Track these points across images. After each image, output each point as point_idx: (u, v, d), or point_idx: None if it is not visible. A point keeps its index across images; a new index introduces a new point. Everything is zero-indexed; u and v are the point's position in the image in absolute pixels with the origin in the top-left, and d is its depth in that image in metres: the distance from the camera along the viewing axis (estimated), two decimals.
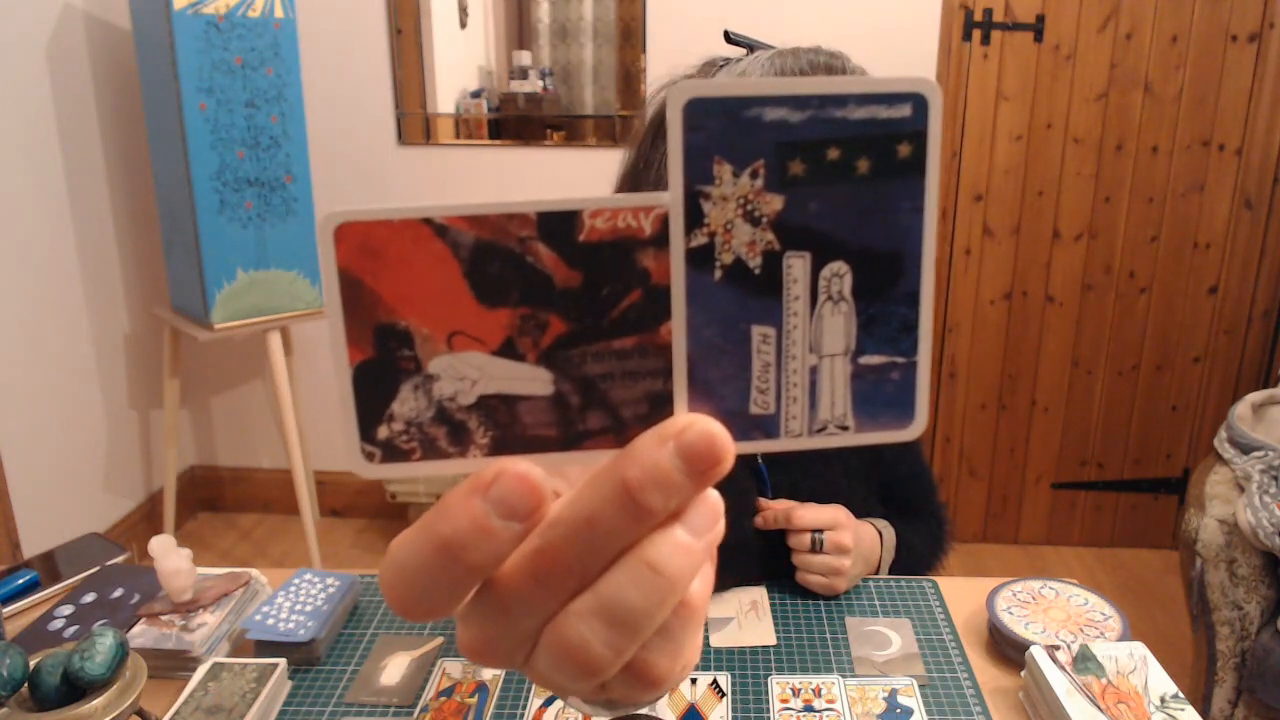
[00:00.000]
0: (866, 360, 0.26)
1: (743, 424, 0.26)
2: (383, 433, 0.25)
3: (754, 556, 0.98)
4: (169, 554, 0.88)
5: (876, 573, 1.03)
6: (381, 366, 0.25)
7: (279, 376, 2.24)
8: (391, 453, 0.26)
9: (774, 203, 0.25)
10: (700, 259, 0.25)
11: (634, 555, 0.23)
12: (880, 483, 1.09)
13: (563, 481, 0.28)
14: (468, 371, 0.25)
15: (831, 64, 0.84)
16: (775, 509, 0.96)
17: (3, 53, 2.08)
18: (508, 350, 0.25)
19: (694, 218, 0.25)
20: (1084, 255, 2.47)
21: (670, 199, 0.24)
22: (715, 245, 0.25)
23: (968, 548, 2.70)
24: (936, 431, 2.64)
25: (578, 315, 0.25)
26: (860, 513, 1.01)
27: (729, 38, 0.89)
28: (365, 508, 2.82)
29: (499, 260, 0.25)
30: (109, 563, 1.03)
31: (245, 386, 2.78)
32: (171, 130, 2.08)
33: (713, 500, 0.25)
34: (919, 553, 1.09)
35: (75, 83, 2.30)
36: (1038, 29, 2.31)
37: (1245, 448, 1.70)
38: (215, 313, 2.15)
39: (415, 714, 0.80)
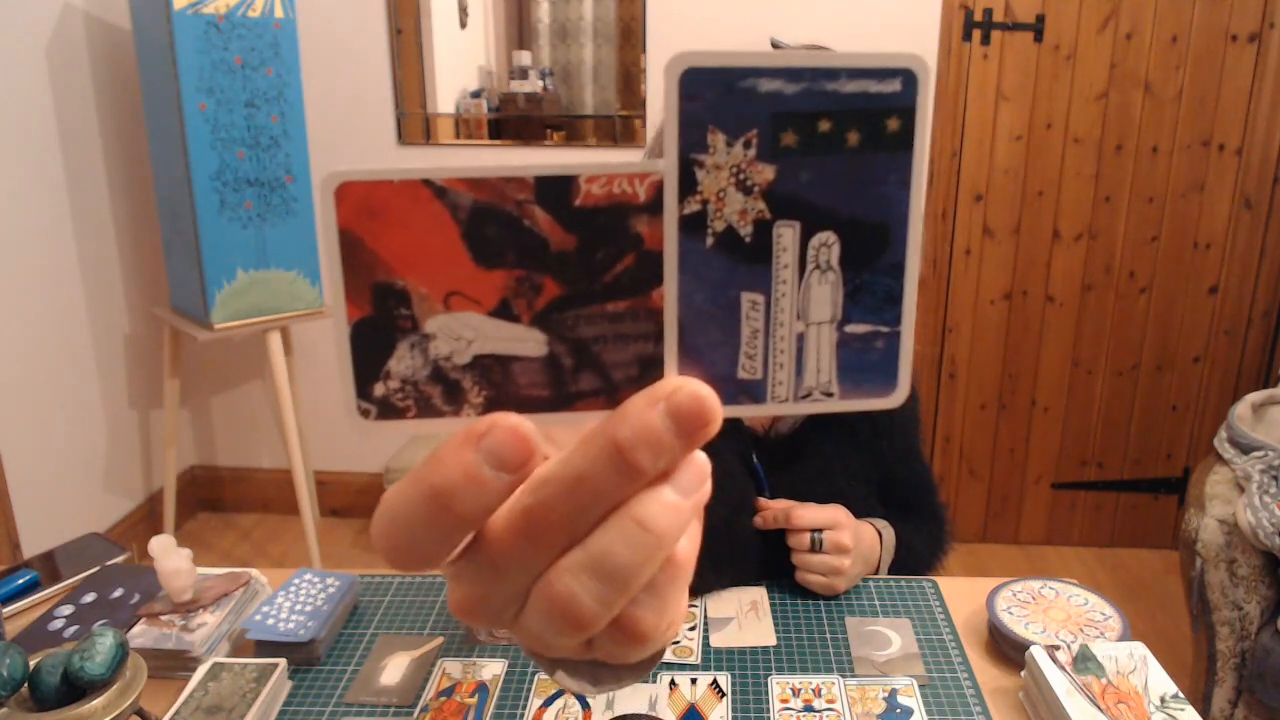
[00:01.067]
0: (852, 329, 0.27)
1: (730, 388, 0.26)
2: (379, 390, 0.26)
3: (752, 555, 0.98)
4: (169, 554, 0.88)
5: (876, 573, 1.03)
6: (379, 325, 0.26)
7: (279, 376, 2.24)
8: (387, 410, 0.26)
9: (766, 172, 0.25)
10: (693, 226, 0.25)
11: (623, 513, 0.24)
12: (880, 483, 1.09)
13: (552, 446, 0.28)
14: (464, 331, 0.26)
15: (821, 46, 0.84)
16: (774, 509, 0.96)
17: (3, 53, 2.08)
18: (503, 311, 0.26)
19: (688, 185, 0.25)
20: (1084, 255, 2.47)
21: (665, 166, 0.25)
22: (708, 213, 0.25)
23: (968, 548, 2.70)
24: (936, 431, 2.64)
25: (572, 278, 0.26)
26: (860, 513, 1.01)
27: (775, 46, 0.90)
28: (365, 508, 2.81)
29: (496, 223, 0.25)
30: (109, 563, 1.03)
31: (245, 386, 2.78)
32: (171, 130, 2.08)
33: (700, 462, 0.25)
34: (919, 552, 1.09)
35: (75, 83, 2.30)
36: (1038, 29, 2.31)
37: (1245, 448, 1.70)
38: (215, 313, 2.15)
39: (415, 714, 0.80)
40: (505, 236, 0.25)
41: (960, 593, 0.98)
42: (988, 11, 2.30)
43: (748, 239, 0.25)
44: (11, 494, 2.12)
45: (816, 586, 0.95)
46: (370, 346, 0.26)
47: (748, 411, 0.27)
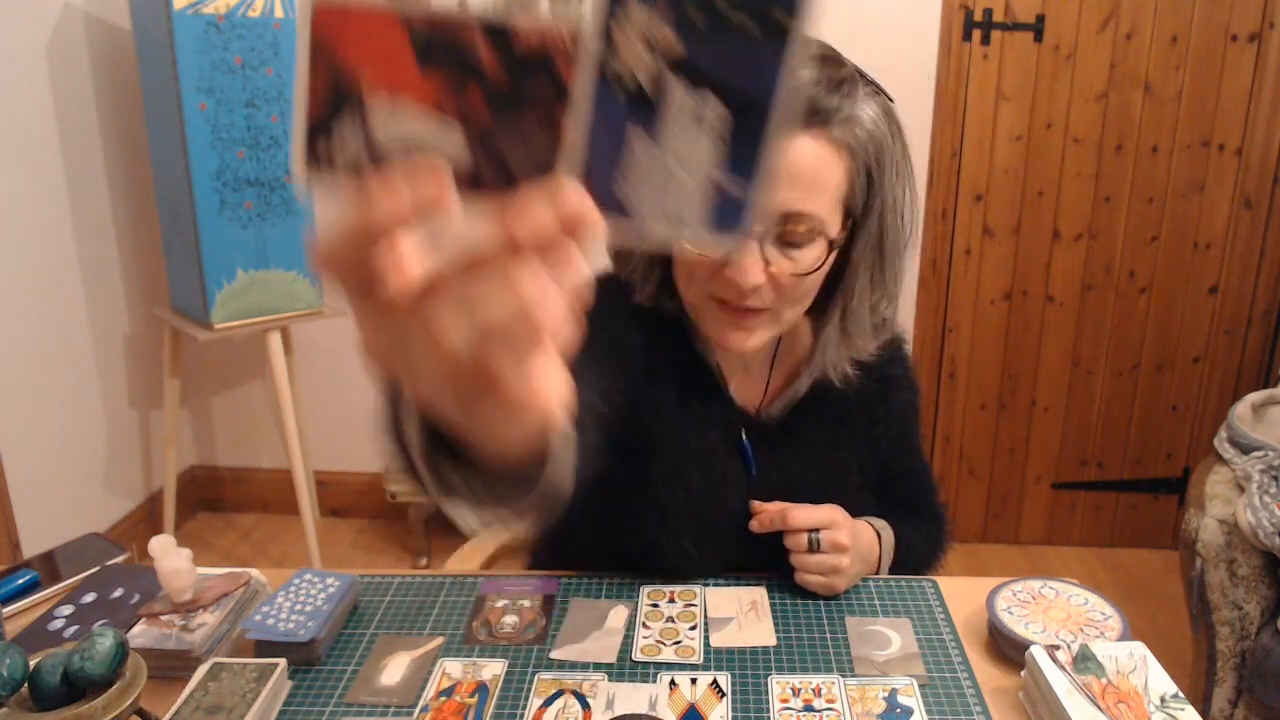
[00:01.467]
0: (717, 179, 0.33)
1: (608, 203, 0.33)
2: (324, 154, 0.32)
3: (736, 533, 0.98)
4: (169, 554, 0.88)
5: (876, 573, 1.02)
6: (334, 108, 0.32)
7: (279, 376, 2.24)
8: (328, 168, 0.33)
9: (672, 39, 0.31)
10: (604, 73, 0.32)
11: (500, 276, 0.30)
12: (877, 477, 1.08)
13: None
14: (403, 123, 0.32)
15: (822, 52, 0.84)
16: (770, 511, 0.96)
17: (3, 53, 2.08)
18: (437, 113, 0.32)
19: (606, 40, 0.31)
20: (1084, 255, 2.47)
21: (588, 24, 0.31)
22: (618, 64, 0.32)
23: (968, 548, 2.71)
24: (936, 431, 2.64)
25: (498, 97, 0.32)
26: (851, 503, 1.01)
27: None
28: (365, 508, 2.81)
29: (446, 50, 0.31)
30: (109, 563, 1.03)
31: (245, 386, 2.78)
32: (171, 130, 2.08)
33: (578, 264, 0.32)
34: (918, 553, 1.08)
35: (75, 83, 2.30)
36: (1038, 29, 2.31)
37: (1245, 448, 1.70)
38: (215, 313, 2.15)
39: (415, 714, 0.80)
40: (452, 60, 0.31)
41: (960, 593, 0.98)
42: (988, 11, 2.30)
43: (647, 90, 0.32)
44: (11, 494, 2.12)
45: (816, 587, 0.95)
46: (324, 123, 0.32)
47: (618, 226, 0.33)
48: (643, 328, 0.97)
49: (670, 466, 0.97)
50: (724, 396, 1.00)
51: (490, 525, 0.46)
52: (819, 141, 0.80)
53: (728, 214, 0.33)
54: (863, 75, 0.85)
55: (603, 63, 0.32)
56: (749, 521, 0.98)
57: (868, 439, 1.05)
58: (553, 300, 0.31)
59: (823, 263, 0.84)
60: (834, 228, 0.84)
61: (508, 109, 0.32)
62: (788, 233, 0.82)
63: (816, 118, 0.80)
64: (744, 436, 1.01)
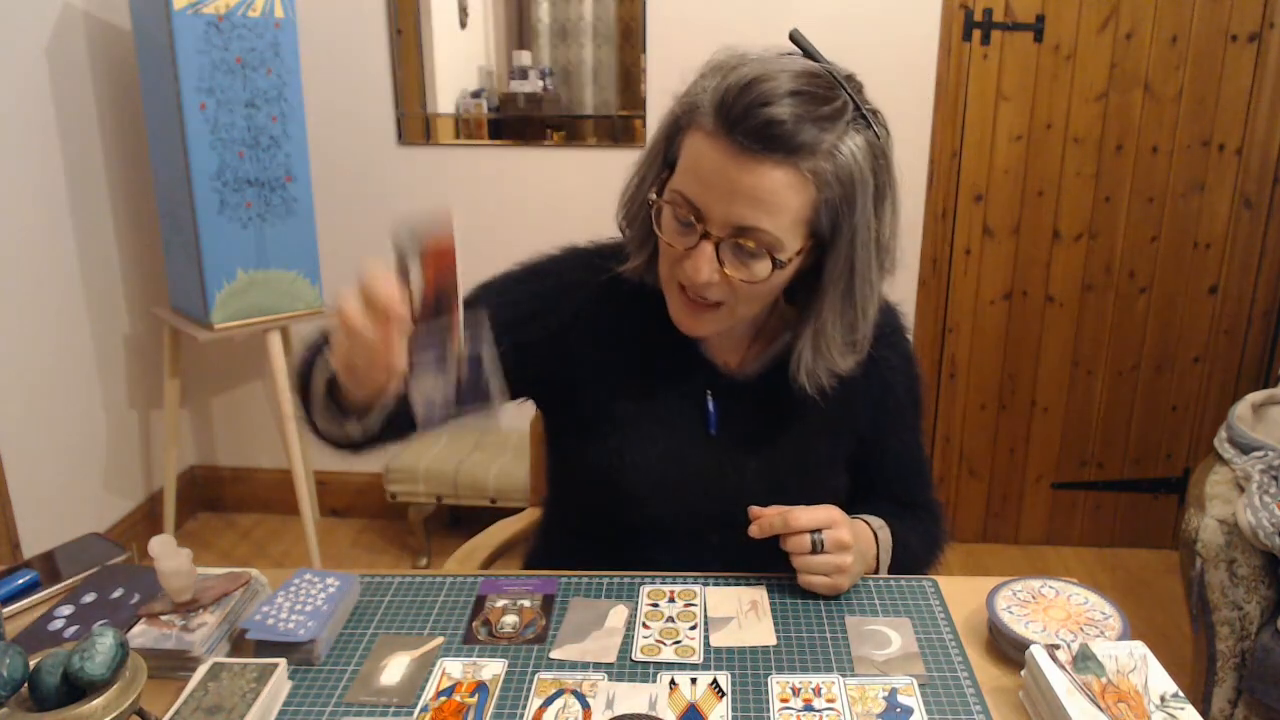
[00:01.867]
0: (441, 401, 0.78)
1: (412, 366, 0.77)
2: (401, 268, 0.76)
3: (699, 490, 1.01)
4: (169, 554, 0.88)
5: (875, 572, 1.02)
6: (407, 261, 0.76)
7: (279, 376, 2.24)
8: (393, 267, 0.76)
9: (465, 351, 0.77)
10: (445, 336, 0.77)
11: (374, 343, 0.74)
12: (855, 456, 1.08)
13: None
14: (416, 282, 0.75)
15: (814, 71, 0.85)
16: (769, 515, 0.96)
17: (3, 53, 2.08)
18: (426, 304, 0.76)
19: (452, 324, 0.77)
20: (1084, 255, 2.47)
21: (459, 322, 0.77)
22: (449, 340, 0.77)
23: (968, 548, 2.71)
24: (936, 431, 2.64)
25: (426, 308, 0.76)
26: (816, 471, 1.04)
27: (793, 38, 0.91)
28: (365, 508, 2.82)
29: (445, 295, 0.76)
30: (109, 563, 1.03)
31: (245, 386, 2.78)
32: (171, 130, 2.08)
33: (397, 358, 0.75)
34: (914, 550, 1.08)
35: (75, 83, 2.30)
36: (1038, 29, 2.31)
37: (1245, 448, 1.70)
38: (215, 313, 2.15)
39: (415, 714, 0.80)
40: (442, 290, 0.76)
41: (960, 592, 0.98)
42: (988, 11, 2.30)
43: (448, 356, 0.77)
44: (11, 494, 2.12)
45: (820, 587, 0.95)
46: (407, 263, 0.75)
47: (407, 375, 0.77)
48: (625, 293, 1.00)
49: (629, 419, 1.01)
50: (697, 355, 1.03)
51: (338, 433, 0.92)
52: (785, 170, 0.83)
53: (432, 417, 0.78)
54: (859, 107, 0.85)
55: (445, 333, 0.76)
56: (708, 474, 1.02)
57: (846, 412, 1.04)
58: (388, 355, 0.74)
59: (768, 276, 0.87)
60: (790, 247, 0.87)
61: (427, 309, 0.75)
62: (740, 244, 0.86)
63: (785, 149, 0.82)
64: (709, 394, 1.02)
